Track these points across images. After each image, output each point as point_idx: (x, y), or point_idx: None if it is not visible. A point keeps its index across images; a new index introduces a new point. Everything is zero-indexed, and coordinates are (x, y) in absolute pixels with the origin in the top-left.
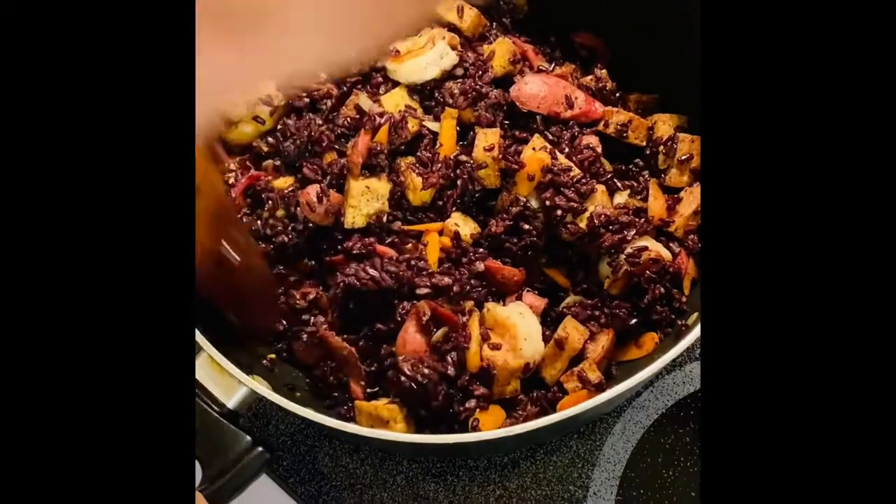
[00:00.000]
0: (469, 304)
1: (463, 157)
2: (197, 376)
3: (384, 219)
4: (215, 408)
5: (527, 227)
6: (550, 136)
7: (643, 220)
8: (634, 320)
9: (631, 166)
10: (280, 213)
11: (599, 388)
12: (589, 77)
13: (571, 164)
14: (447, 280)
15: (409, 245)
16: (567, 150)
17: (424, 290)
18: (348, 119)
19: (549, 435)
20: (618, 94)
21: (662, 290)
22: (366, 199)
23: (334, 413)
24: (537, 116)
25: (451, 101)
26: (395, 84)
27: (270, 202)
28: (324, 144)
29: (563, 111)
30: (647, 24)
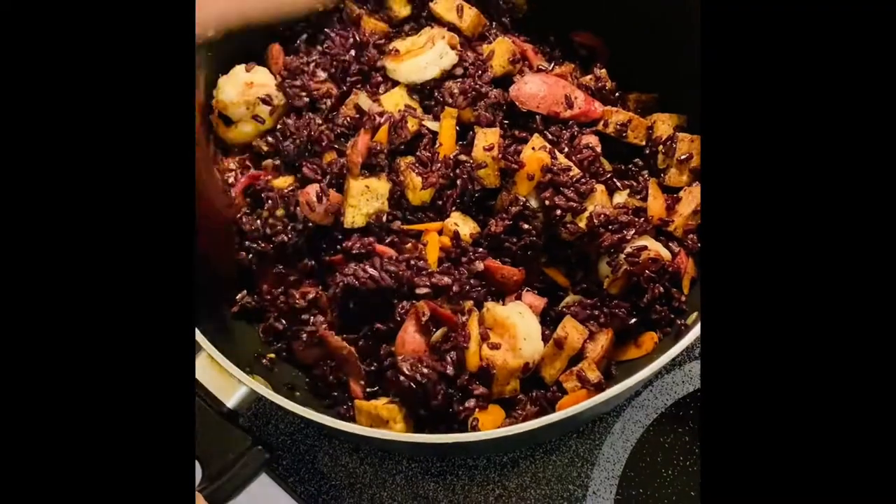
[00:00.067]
0: (468, 303)
1: (462, 157)
2: (197, 376)
3: (384, 218)
4: (215, 407)
5: (526, 226)
6: (550, 136)
7: (642, 219)
8: (634, 320)
9: (630, 166)
10: (280, 212)
11: (599, 387)
12: (588, 76)
13: (571, 163)
14: (447, 280)
15: (409, 245)
16: (566, 149)
17: (424, 290)
18: (348, 118)
19: (548, 434)
20: (617, 94)
21: (662, 289)
22: (365, 199)
23: (334, 412)
24: (537, 116)
25: (450, 100)
26: (395, 83)
27: (270, 202)
28: (323, 144)
29: (563, 111)
30: (646, 24)
